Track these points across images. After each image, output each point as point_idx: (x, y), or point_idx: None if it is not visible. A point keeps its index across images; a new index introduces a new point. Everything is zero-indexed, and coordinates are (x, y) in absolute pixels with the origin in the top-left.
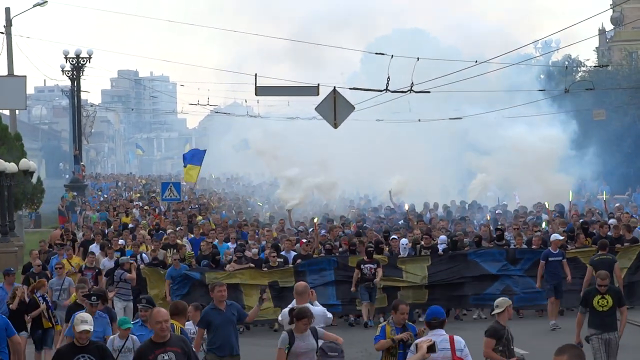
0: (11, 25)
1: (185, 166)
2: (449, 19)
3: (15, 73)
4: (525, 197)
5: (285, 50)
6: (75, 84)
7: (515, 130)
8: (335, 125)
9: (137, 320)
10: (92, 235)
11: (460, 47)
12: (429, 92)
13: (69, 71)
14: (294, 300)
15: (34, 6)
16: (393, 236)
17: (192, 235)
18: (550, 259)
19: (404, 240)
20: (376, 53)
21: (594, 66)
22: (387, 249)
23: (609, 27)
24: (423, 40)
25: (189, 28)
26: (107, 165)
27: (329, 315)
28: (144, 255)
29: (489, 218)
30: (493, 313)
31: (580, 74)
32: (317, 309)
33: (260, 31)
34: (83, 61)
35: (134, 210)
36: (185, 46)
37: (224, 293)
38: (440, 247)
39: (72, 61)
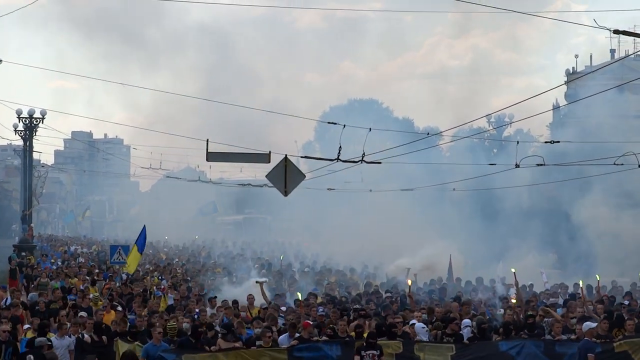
0: None
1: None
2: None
3: None
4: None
5: (239, 117)
6: (28, 144)
7: None
8: (286, 193)
9: None
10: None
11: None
12: (380, 162)
13: (21, 131)
14: None
15: None
16: (412, 321)
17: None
18: (589, 354)
19: (419, 325)
20: (329, 122)
21: (545, 142)
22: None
23: (562, 102)
24: (377, 110)
25: (143, 92)
26: (58, 227)
27: None
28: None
29: (514, 300)
30: None
31: (532, 149)
32: None
33: (214, 97)
34: (36, 121)
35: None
36: (139, 109)
37: None
38: (465, 333)
39: (25, 121)
